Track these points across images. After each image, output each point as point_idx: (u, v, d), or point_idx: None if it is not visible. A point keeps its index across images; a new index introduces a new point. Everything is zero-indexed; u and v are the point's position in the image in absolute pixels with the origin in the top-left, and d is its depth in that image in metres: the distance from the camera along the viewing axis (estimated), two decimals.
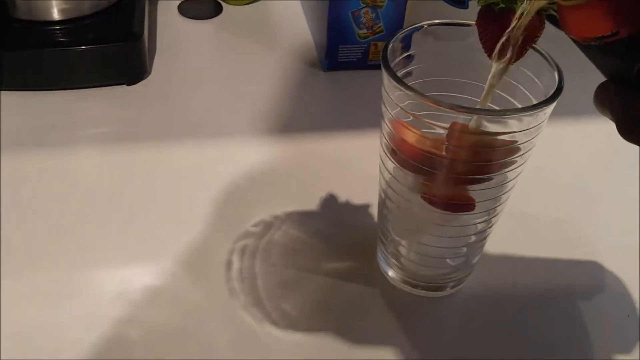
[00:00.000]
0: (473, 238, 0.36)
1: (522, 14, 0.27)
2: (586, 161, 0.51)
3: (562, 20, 0.24)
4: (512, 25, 0.28)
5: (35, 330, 0.35)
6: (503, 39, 0.28)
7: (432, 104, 0.28)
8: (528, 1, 0.27)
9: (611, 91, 0.25)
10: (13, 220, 0.42)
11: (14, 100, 0.51)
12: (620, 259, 0.42)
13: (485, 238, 0.37)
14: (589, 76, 0.28)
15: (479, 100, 0.33)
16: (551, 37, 0.31)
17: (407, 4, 0.55)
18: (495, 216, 0.36)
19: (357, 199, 0.45)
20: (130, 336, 0.35)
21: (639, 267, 0.41)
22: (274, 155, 0.48)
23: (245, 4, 0.67)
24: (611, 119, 0.26)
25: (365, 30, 0.55)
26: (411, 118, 0.31)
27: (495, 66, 0.30)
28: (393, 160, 0.33)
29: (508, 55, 0.29)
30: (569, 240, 0.44)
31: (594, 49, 0.24)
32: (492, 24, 0.31)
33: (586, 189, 0.48)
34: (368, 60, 0.56)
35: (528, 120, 0.30)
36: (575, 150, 0.52)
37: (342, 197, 0.45)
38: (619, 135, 0.25)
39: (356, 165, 0.47)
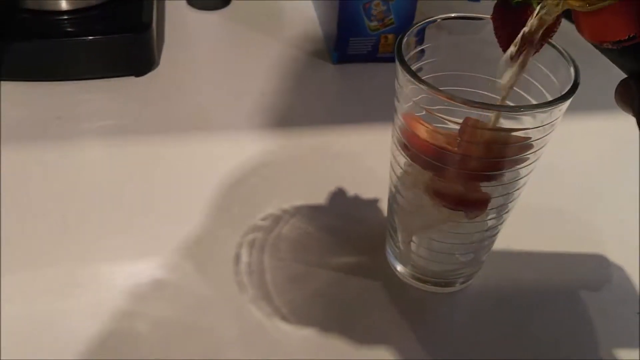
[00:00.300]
0: (483, 235, 0.36)
1: (540, 15, 0.27)
2: (595, 157, 0.50)
3: (577, 24, 0.24)
4: (529, 24, 0.27)
5: (41, 324, 0.35)
6: (519, 39, 0.28)
7: (445, 99, 0.28)
8: (545, 3, 0.26)
9: (633, 88, 0.24)
10: (17, 213, 0.42)
11: (21, 91, 0.51)
12: (629, 256, 0.42)
13: (495, 234, 0.37)
14: (601, 70, 0.28)
15: (492, 95, 0.33)
16: (563, 30, 0.30)
17: None
18: (506, 213, 0.35)
19: (366, 193, 0.45)
20: (138, 330, 0.35)
21: None
22: (283, 148, 0.48)
23: None
24: (633, 116, 0.25)
25: (375, 23, 0.54)
26: (424, 112, 0.30)
27: (505, 63, 0.30)
28: (405, 155, 0.33)
29: (527, 53, 0.29)
30: (577, 236, 0.43)
31: (611, 52, 0.23)
32: (508, 19, 0.30)
33: (596, 185, 0.48)
34: (378, 53, 0.56)
35: (542, 116, 0.30)
36: (585, 145, 0.51)
37: (351, 191, 0.45)
38: (630, 132, 0.25)
39: (366, 159, 0.47)
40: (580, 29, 0.24)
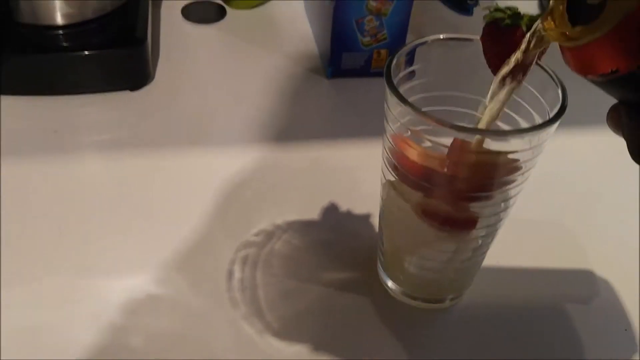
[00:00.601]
0: (473, 252, 0.37)
1: (529, 43, 0.27)
2: (586, 170, 0.51)
3: (564, 57, 0.24)
4: (519, 50, 0.28)
5: (36, 337, 0.36)
6: (511, 64, 0.28)
7: (433, 123, 0.29)
8: (535, 33, 0.27)
9: (622, 114, 0.25)
10: (15, 225, 0.42)
11: (17, 105, 0.51)
12: (620, 270, 0.42)
13: (484, 252, 0.37)
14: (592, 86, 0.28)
15: (482, 115, 0.33)
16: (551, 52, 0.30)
17: (412, 12, 0.55)
18: (495, 231, 0.36)
19: (359, 208, 0.45)
20: (131, 344, 0.36)
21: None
22: (278, 162, 0.48)
23: (249, 8, 0.67)
24: (623, 138, 0.26)
25: (369, 38, 0.55)
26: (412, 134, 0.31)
27: (496, 85, 0.31)
28: (394, 175, 0.33)
29: (517, 78, 0.29)
30: (567, 251, 0.44)
31: (597, 82, 0.24)
32: (497, 41, 0.31)
33: (586, 198, 0.48)
34: (371, 68, 0.56)
35: (531, 139, 0.30)
36: (577, 159, 0.52)
37: (344, 206, 0.45)
38: (620, 147, 0.25)
39: (359, 174, 0.47)
40: (566, 61, 0.24)
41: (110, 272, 0.40)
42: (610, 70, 0.22)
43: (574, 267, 0.43)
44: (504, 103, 0.30)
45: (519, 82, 0.29)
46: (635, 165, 0.25)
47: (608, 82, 0.23)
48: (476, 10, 0.62)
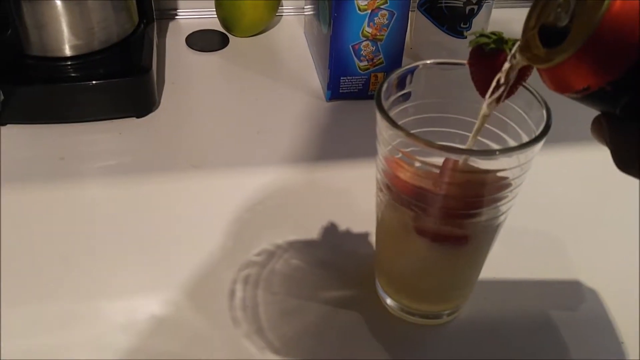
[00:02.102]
0: (467, 268, 0.38)
1: (510, 65, 0.29)
2: (579, 184, 0.52)
3: (541, 78, 0.26)
4: (502, 71, 0.29)
5: (41, 359, 0.37)
6: (494, 84, 0.30)
7: (422, 145, 0.30)
8: (514, 58, 0.28)
9: (603, 124, 0.26)
10: (21, 251, 0.43)
11: (25, 133, 0.53)
12: (614, 284, 0.43)
13: (479, 267, 0.38)
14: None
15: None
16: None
17: (407, 36, 0.57)
18: (488, 246, 0.37)
19: (358, 227, 0.46)
20: None
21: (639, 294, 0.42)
22: (278, 184, 0.50)
23: (251, 36, 0.69)
24: (607, 147, 0.27)
25: (365, 63, 0.56)
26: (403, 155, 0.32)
27: (486, 104, 0.32)
28: (387, 194, 0.35)
29: (498, 95, 0.31)
30: (563, 263, 0.45)
31: (575, 98, 0.25)
32: (483, 64, 0.32)
33: (580, 212, 0.49)
34: (369, 91, 0.58)
35: (518, 157, 0.31)
36: (566, 174, 0.53)
37: (343, 225, 0.46)
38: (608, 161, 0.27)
39: (357, 194, 0.48)
40: (543, 81, 0.26)
41: (113, 295, 0.41)
42: (582, 88, 0.23)
43: (570, 278, 0.43)
44: (485, 119, 0.32)
45: (501, 101, 0.31)
46: (621, 177, 0.26)
47: (583, 98, 0.24)
48: (469, 33, 0.64)
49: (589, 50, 0.22)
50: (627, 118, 0.25)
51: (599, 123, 0.27)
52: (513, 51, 0.28)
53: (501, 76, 0.30)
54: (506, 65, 0.30)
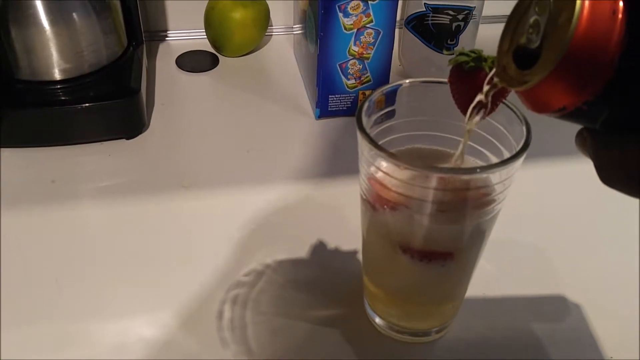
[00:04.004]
0: (455, 284, 0.38)
1: (489, 87, 0.29)
2: (562, 197, 0.52)
3: (519, 97, 0.26)
4: (482, 92, 0.30)
5: None
6: (475, 102, 0.30)
7: (404, 165, 0.30)
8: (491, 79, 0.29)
9: (586, 137, 0.26)
10: (15, 273, 0.43)
11: (16, 157, 0.54)
12: (599, 298, 0.43)
13: (466, 283, 0.38)
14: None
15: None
16: None
17: (395, 53, 0.57)
18: (473, 263, 0.37)
19: (347, 246, 0.46)
20: None
21: (638, 308, 0.42)
22: (267, 202, 0.50)
23: (241, 56, 0.69)
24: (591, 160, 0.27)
25: (353, 81, 0.57)
26: (385, 175, 0.32)
27: (467, 122, 0.32)
28: (371, 213, 0.35)
29: (479, 114, 0.31)
30: (548, 278, 0.45)
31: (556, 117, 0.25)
32: (462, 82, 0.33)
33: (564, 225, 0.49)
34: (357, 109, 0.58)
35: (499, 173, 0.32)
36: (550, 187, 0.53)
37: (333, 243, 0.46)
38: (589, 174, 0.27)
39: (345, 211, 0.48)
40: (522, 102, 0.26)
41: (104, 317, 0.41)
42: (558, 109, 0.24)
43: (554, 294, 0.43)
44: (469, 134, 0.32)
45: (482, 118, 0.31)
46: (606, 191, 0.26)
47: (562, 117, 0.25)
48: (456, 50, 0.65)
49: (562, 71, 0.22)
50: (607, 133, 0.25)
51: (582, 137, 0.27)
52: (490, 75, 0.29)
53: (482, 97, 0.31)
54: (486, 88, 0.30)
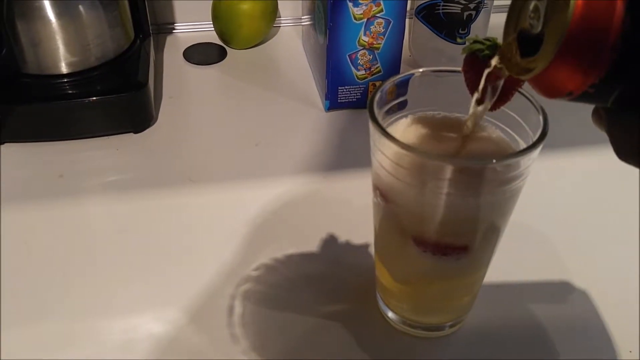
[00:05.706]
0: (469, 279, 0.37)
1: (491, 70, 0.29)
2: (577, 188, 0.51)
3: (530, 84, 0.26)
4: (483, 75, 0.29)
5: None
6: (479, 91, 0.29)
7: (416, 155, 0.29)
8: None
9: (602, 113, 0.26)
10: (21, 269, 0.43)
11: (24, 151, 0.53)
12: (613, 288, 0.42)
13: (481, 277, 0.38)
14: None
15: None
16: None
17: (406, 43, 0.56)
18: (489, 256, 0.36)
19: (358, 239, 0.45)
20: None
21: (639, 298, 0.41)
22: (278, 196, 0.49)
23: (249, 48, 0.69)
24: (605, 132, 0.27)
25: (363, 72, 0.56)
26: (399, 166, 0.31)
27: (474, 109, 0.31)
28: (384, 205, 0.34)
29: (486, 103, 0.30)
30: (564, 269, 0.44)
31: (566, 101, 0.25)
32: (476, 71, 0.32)
33: (579, 216, 0.48)
34: (367, 100, 0.57)
35: (516, 164, 0.31)
36: (565, 178, 0.52)
37: (343, 237, 0.46)
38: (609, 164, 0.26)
39: (356, 204, 0.48)
40: (532, 87, 0.26)
41: (112, 313, 0.40)
42: (566, 93, 0.23)
43: (570, 285, 0.43)
44: (476, 121, 0.31)
45: (496, 107, 0.30)
46: (620, 180, 0.26)
47: (574, 100, 0.24)
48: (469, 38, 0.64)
49: (565, 55, 0.22)
50: (620, 110, 0.24)
51: (598, 114, 0.27)
52: (494, 64, 0.28)
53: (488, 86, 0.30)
54: (486, 70, 0.29)
